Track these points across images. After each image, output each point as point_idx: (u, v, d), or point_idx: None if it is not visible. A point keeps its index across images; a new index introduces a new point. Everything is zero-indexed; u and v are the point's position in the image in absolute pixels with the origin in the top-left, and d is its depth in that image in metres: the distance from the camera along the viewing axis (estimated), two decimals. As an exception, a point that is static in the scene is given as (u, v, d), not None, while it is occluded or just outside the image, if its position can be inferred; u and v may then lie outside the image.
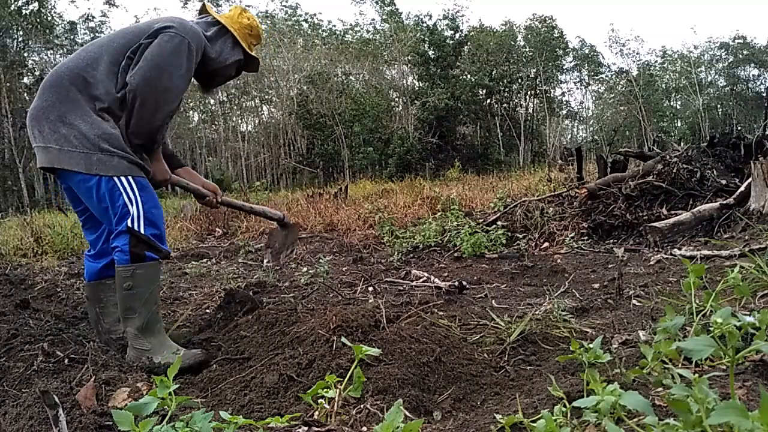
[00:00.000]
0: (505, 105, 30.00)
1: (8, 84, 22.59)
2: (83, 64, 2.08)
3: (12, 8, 23.28)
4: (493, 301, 2.83)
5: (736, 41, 33.67)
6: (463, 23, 26.89)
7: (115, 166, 2.04)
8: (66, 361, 1.91)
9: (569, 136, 38.38)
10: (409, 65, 27.79)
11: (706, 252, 3.36)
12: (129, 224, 2.03)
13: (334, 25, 34.06)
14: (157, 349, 2.06)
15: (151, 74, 2.03)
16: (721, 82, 35.25)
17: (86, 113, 2.03)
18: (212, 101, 30.00)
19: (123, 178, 2.05)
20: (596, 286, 3.07)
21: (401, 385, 1.62)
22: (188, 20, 2.28)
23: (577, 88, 38.23)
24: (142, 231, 2.04)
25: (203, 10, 2.48)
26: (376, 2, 30.84)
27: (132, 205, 2.04)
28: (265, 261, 2.94)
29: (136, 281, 2.04)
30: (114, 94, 2.08)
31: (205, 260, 4.56)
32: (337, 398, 1.42)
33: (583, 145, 24.89)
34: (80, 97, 2.04)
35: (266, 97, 31.26)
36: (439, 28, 25.64)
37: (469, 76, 27.10)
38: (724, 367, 1.39)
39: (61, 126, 2.01)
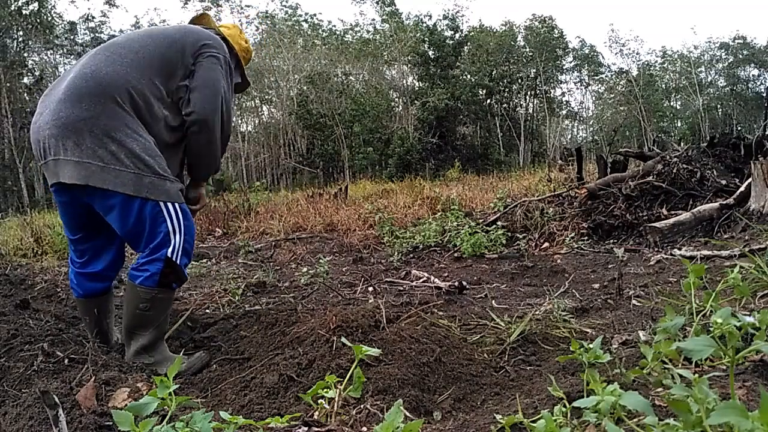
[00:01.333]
0: (505, 105, 29.98)
1: (8, 84, 22.56)
2: (123, 72, 1.93)
3: (12, 8, 23.27)
4: (493, 301, 2.83)
5: (736, 41, 33.66)
6: (463, 23, 26.90)
7: (167, 191, 1.95)
8: (66, 361, 1.90)
9: (569, 136, 38.36)
10: (409, 65, 27.77)
11: (706, 252, 3.36)
12: (169, 254, 1.97)
13: (334, 26, 34.03)
14: (161, 361, 2.04)
15: (210, 106, 2.06)
16: (721, 83, 35.24)
17: (135, 131, 1.91)
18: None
19: (170, 204, 1.97)
20: (596, 286, 3.07)
21: (401, 385, 1.62)
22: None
23: (577, 89, 38.12)
24: (178, 262, 1.99)
25: (202, 20, 2.40)
26: (376, 2, 30.83)
27: (175, 234, 1.98)
28: None
29: (154, 305, 2.00)
30: (157, 115, 2.00)
31: (205, 260, 4.56)
32: (337, 398, 1.42)
33: (583, 145, 24.91)
34: (126, 112, 1.91)
35: (266, 97, 31.22)
36: (439, 29, 25.64)
37: (469, 76, 27.10)
38: (724, 368, 1.39)
39: (110, 142, 1.85)
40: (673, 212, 4.67)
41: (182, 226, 2.00)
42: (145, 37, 2.09)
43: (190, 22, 2.41)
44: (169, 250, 1.97)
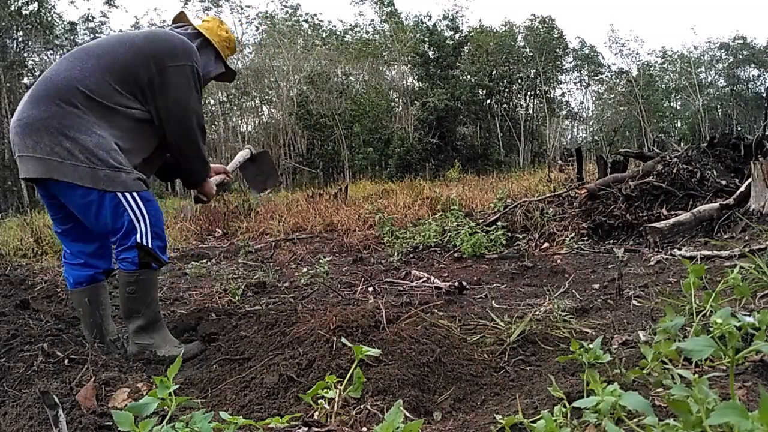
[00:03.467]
0: (505, 105, 29.96)
1: (8, 84, 22.58)
2: (81, 76, 2.05)
3: (12, 8, 23.27)
4: (493, 301, 2.83)
5: (736, 42, 33.63)
6: (462, 24, 26.90)
7: (123, 182, 2.06)
8: (66, 361, 1.91)
9: (569, 137, 38.33)
10: (409, 66, 27.77)
11: (706, 252, 3.36)
12: (138, 240, 2.09)
13: (334, 26, 34.02)
14: (160, 343, 2.18)
15: (184, 120, 2.18)
16: (721, 83, 35.21)
17: (89, 128, 2.02)
18: (212, 102, 30.01)
19: (128, 194, 2.08)
20: (596, 286, 3.07)
21: (401, 385, 1.62)
22: (177, 33, 2.31)
23: (577, 89, 38.08)
24: (150, 245, 2.11)
25: (180, 18, 2.50)
26: (375, 3, 30.81)
27: (138, 221, 2.09)
28: (254, 194, 3.04)
29: (140, 286, 2.14)
30: (120, 116, 2.10)
31: (205, 261, 4.56)
32: (337, 398, 1.42)
33: (583, 146, 24.89)
34: (81, 111, 2.03)
35: (266, 97, 31.21)
36: (439, 29, 25.62)
37: (468, 76, 27.07)
38: (724, 368, 1.39)
39: (64, 139, 1.99)
40: (673, 212, 4.67)
41: (144, 212, 2.11)
42: (112, 43, 2.20)
43: (173, 22, 2.51)
44: (137, 236, 2.10)
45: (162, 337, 2.21)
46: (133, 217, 2.08)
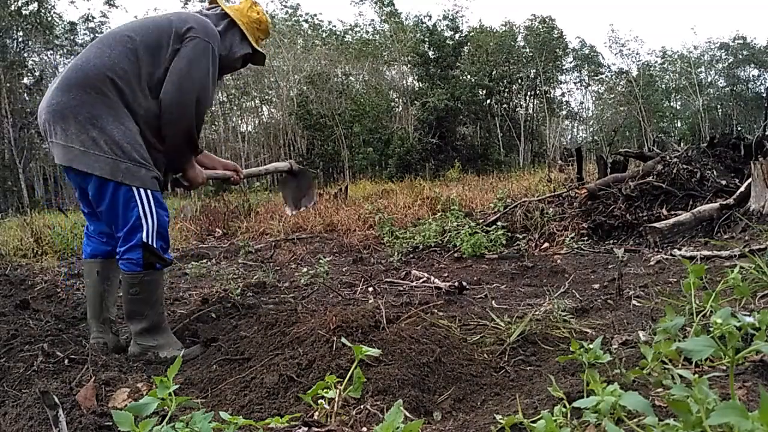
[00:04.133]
0: (505, 105, 29.94)
1: (8, 84, 22.54)
2: (110, 63, 2.06)
3: (12, 8, 23.25)
4: (493, 301, 2.83)
5: (736, 42, 33.60)
6: (462, 24, 26.86)
7: (141, 177, 2.08)
8: (66, 361, 1.91)
9: (569, 137, 38.31)
10: (409, 66, 27.76)
11: (706, 252, 3.36)
12: (144, 239, 2.09)
13: (334, 26, 33.96)
14: (163, 345, 2.18)
15: (184, 88, 2.10)
16: (721, 83, 35.18)
17: (118, 119, 2.04)
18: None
19: (143, 191, 2.09)
20: (596, 286, 3.07)
21: (401, 385, 1.62)
22: (201, 15, 2.30)
23: (577, 89, 37.98)
24: (154, 245, 2.12)
25: (213, 0, 2.48)
26: (375, 3, 30.78)
27: (146, 219, 2.10)
28: (288, 211, 3.00)
29: (143, 287, 2.13)
30: (143, 103, 2.10)
31: (205, 261, 4.56)
32: (337, 399, 1.42)
33: (583, 146, 24.88)
34: (111, 101, 2.04)
35: (266, 97, 31.18)
36: (439, 29, 25.61)
37: (468, 76, 27.06)
38: (724, 368, 1.39)
39: (91, 128, 2.00)
40: (673, 212, 4.67)
41: (154, 212, 2.12)
42: (137, 27, 2.20)
43: (209, 3, 2.48)
44: (143, 234, 2.10)
45: (165, 339, 2.20)
46: (142, 213, 2.09)
